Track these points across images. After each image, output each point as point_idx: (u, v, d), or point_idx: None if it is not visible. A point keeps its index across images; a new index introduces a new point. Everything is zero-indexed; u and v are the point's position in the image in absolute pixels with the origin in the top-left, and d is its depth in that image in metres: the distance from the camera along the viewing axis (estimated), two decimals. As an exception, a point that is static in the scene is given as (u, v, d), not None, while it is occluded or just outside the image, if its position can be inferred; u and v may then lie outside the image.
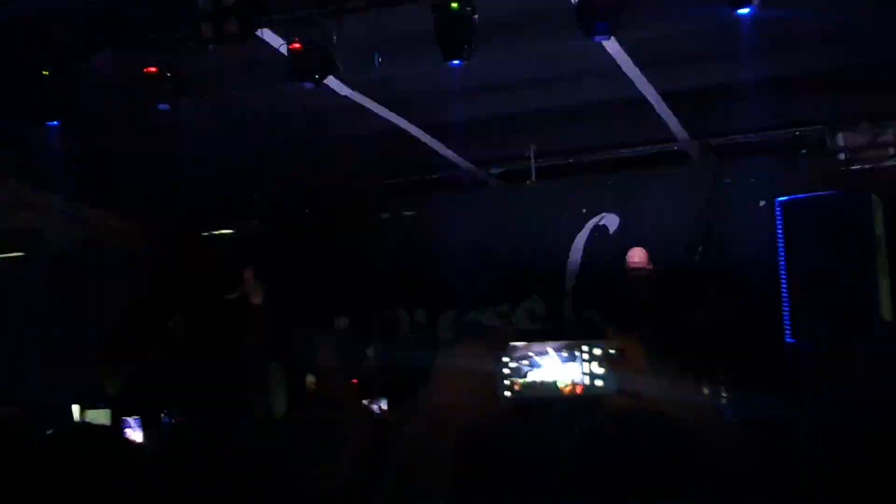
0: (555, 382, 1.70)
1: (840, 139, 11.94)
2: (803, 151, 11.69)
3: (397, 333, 10.60)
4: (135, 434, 8.64)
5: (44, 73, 8.73)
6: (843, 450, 1.57)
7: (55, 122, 9.30)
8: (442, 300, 12.18)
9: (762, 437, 2.00)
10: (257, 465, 3.74)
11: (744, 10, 7.53)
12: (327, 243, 13.21)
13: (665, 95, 10.32)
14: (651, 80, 9.88)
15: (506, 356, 1.67)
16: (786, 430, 1.64)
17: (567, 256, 12.19)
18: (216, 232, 14.13)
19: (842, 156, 12.01)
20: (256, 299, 10.14)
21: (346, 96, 10.11)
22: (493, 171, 12.92)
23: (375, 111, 10.70)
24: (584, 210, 12.22)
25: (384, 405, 9.79)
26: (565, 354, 1.70)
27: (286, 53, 8.55)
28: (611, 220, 12.10)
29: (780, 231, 5.87)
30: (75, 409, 10.22)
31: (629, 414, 1.65)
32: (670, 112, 10.67)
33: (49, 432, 2.54)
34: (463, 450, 3.08)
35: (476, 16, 8.04)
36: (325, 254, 13.14)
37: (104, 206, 12.93)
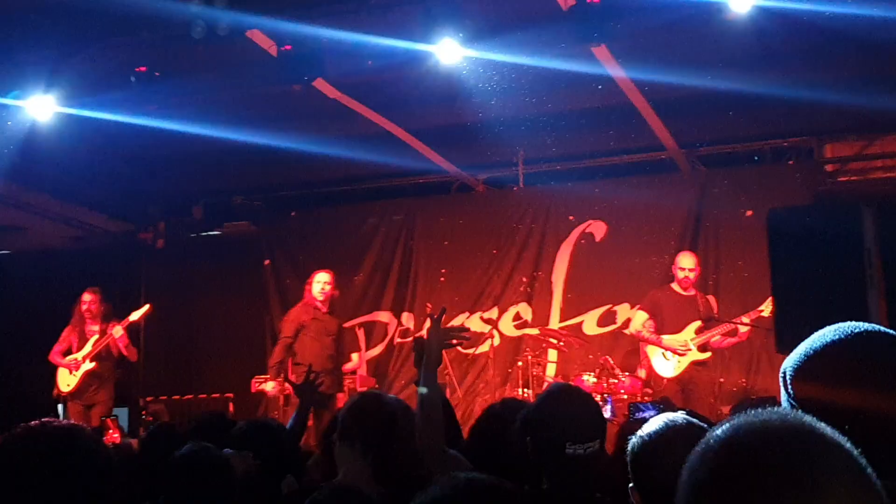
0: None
1: (828, 150, 12.00)
2: (791, 162, 11.73)
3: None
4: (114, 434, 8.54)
5: (34, 69, 8.68)
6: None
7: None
8: (429, 305, 12.17)
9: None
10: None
11: (740, 11, 7.54)
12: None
13: (654, 104, 10.33)
14: (640, 89, 9.89)
15: None
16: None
17: (554, 263, 12.19)
18: (204, 233, 14.09)
19: (830, 167, 12.06)
20: None
21: (334, 99, 10.09)
22: (481, 176, 12.91)
23: (363, 114, 10.68)
24: (570, 217, 12.24)
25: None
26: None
27: (276, 55, 8.52)
28: (598, 228, 12.11)
29: (768, 241, 5.85)
30: (59, 407, 10.18)
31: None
32: (659, 121, 10.68)
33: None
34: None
35: (467, 21, 8.02)
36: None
37: (91, 205, 12.88)
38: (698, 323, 9.24)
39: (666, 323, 9.34)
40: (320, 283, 9.83)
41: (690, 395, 9.02)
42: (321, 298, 9.77)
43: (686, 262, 9.51)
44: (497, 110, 11.02)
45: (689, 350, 9.15)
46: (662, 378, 9.32)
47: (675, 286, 9.50)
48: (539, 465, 2.24)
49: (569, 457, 2.40)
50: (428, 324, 3.87)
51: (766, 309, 9.31)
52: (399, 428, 3.79)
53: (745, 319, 9.27)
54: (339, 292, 10.50)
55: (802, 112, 11.14)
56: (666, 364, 9.25)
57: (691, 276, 9.43)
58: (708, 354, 9.22)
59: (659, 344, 9.30)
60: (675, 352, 9.19)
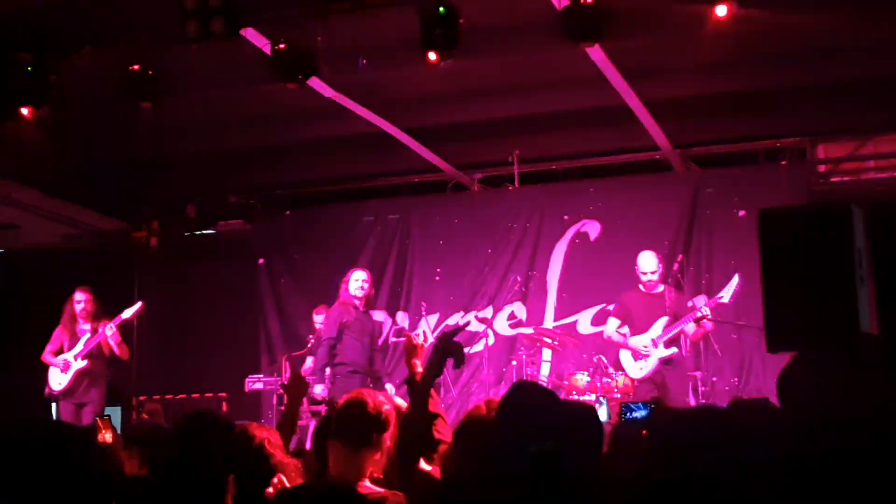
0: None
1: (821, 151, 12.02)
2: (784, 162, 11.75)
3: None
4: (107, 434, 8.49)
5: (27, 69, 8.65)
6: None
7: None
8: (424, 304, 12.18)
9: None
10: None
11: (721, 9, 7.56)
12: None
13: (648, 104, 10.34)
14: (634, 89, 9.90)
15: None
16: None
17: (548, 263, 12.20)
18: (198, 232, 14.07)
19: (822, 167, 12.08)
20: None
21: (329, 98, 10.08)
22: (476, 175, 12.92)
23: (359, 113, 10.67)
24: (565, 217, 12.25)
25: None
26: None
27: (270, 54, 8.51)
28: (592, 228, 12.12)
29: (760, 241, 5.87)
30: (52, 406, 10.16)
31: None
32: (653, 121, 10.69)
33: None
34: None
35: (461, 20, 8.02)
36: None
37: (85, 203, 12.86)
38: (666, 319, 9.26)
39: (636, 324, 9.39)
40: (358, 280, 9.79)
41: (665, 396, 9.01)
42: (359, 296, 9.71)
43: (646, 265, 9.52)
44: (492, 110, 11.04)
45: (655, 348, 9.19)
46: (633, 380, 9.36)
47: (641, 287, 9.54)
48: (512, 465, 2.24)
49: (533, 455, 2.42)
50: (424, 325, 3.90)
51: (726, 296, 9.38)
52: (391, 427, 3.81)
53: (706, 310, 9.32)
54: (374, 291, 10.46)
55: (795, 112, 11.17)
56: (635, 366, 9.29)
57: (654, 277, 9.45)
58: (674, 350, 9.25)
59: (626, 346, 9.35)
60: (639, 353, 9.24)
